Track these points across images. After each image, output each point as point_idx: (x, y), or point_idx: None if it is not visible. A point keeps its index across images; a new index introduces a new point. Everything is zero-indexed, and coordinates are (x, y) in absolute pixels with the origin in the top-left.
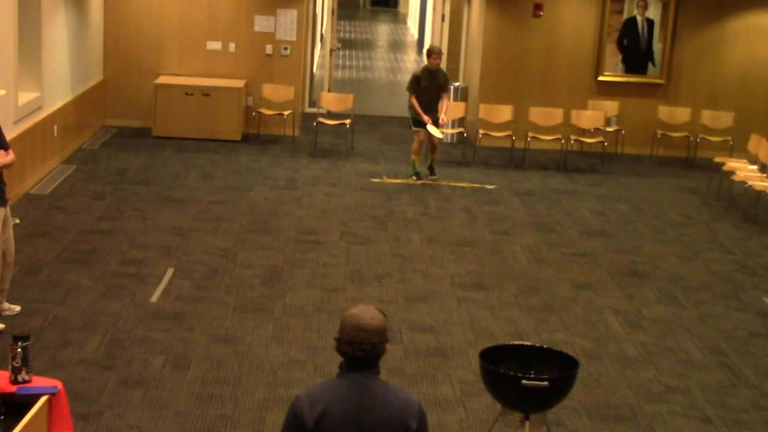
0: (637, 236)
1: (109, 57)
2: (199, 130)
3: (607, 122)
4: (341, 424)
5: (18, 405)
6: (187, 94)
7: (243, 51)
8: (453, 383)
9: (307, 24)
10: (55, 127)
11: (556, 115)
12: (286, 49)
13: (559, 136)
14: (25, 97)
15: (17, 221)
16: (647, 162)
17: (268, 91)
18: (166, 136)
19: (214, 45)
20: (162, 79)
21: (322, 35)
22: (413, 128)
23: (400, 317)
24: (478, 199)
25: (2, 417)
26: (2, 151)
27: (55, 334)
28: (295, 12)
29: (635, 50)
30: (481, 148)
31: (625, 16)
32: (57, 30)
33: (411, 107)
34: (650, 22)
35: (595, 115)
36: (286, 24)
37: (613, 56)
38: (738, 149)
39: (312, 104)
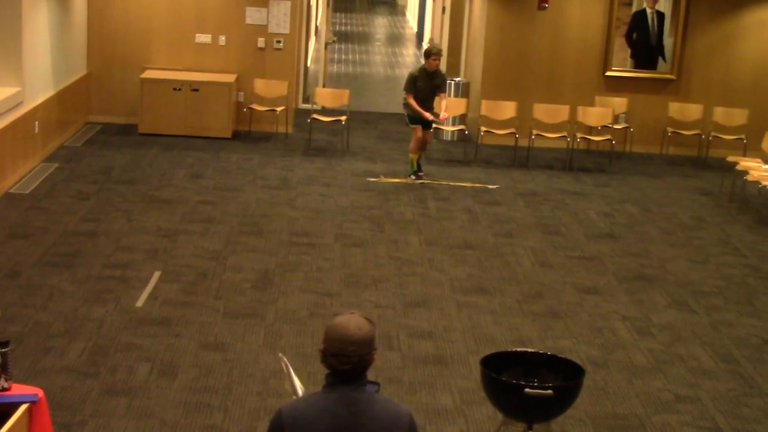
0: (646, 239)
1: (93, 50)
2: (187, 127)
3: (615, 119)
4: None
5: None
6: (175, 89)
7: (234, 44)
8: (453, 392)
9: (301, 16)
10: (37, 123)
11: (561, 112)
12: (279, 42)
13: (564, 134)
14: (5, 92)
15: None
16: (657, 161)
17: (260, 86)
18: (153, 133)
19: (204, 38)
20: (149, 74)
21: (316, 28)
22: (410, 125)
23: (397, 323)
24: (479, 199)
25: None
26: None
27: (36, 340)
28: (288, 3)
29: (645, 44)
30: (483, 147)
31: (635, 8)
32: (39, 21)
33: (407, 105)
34: (660, 15)
35: (602, 112)
36: (279, 16)
37: (621, 51)
38: (752, 148)
39: (306, 100)
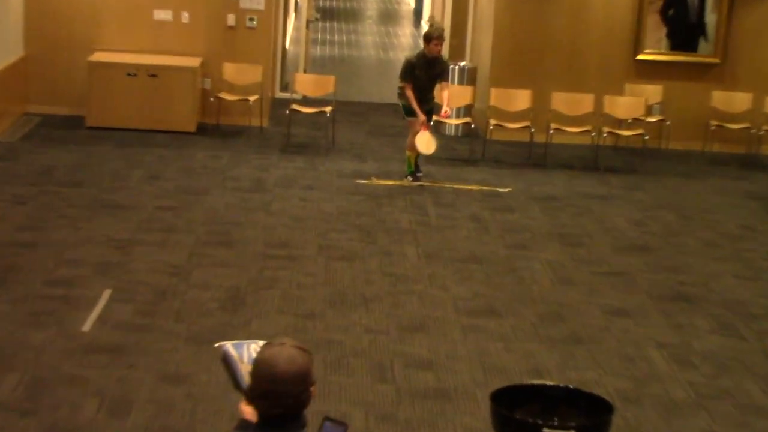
0: (685, 251)
1: (32, 28)
2: (144, 120)
3: (649, 111)
4: None
5: None
6: (129, 74)
7: (199, 22)
8: None
9: None
10: None
11: (585, 102)
12: (252, 20)
13: (588, 127)
14: None
15: None
16: (698, 160)
17: (230, 71)
18: (104, 127)
19: (163, 14)
20: (98, 56)
21: (296, 3)
22: (406, 117)
23: (392, 350)
24: (488, 204)
25: None
26: None
27: None
28: None
29: (683, 22)
30: (493, 143)
31: None
32: None
33: (402, 96)
34: None
35: (633, 103)
36: None
37: (655, 30)
38: None
39: (284, 88)
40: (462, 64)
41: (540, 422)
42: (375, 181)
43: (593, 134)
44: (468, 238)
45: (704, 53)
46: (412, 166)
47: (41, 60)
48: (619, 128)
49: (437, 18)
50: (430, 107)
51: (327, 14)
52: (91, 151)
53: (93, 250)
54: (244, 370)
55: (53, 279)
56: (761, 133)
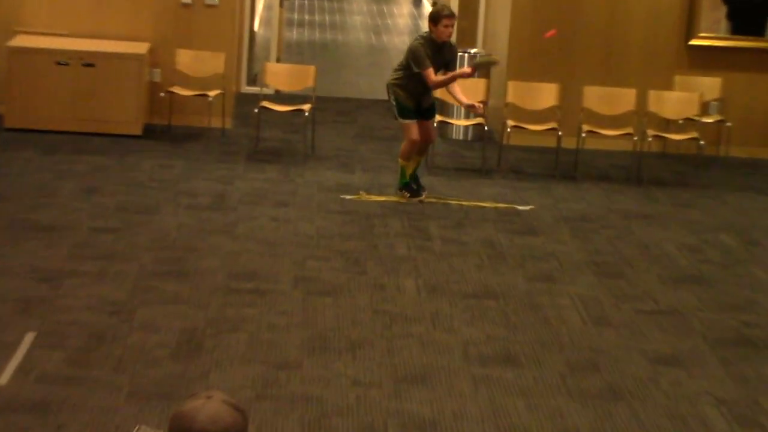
0: (750, 284)
1: None
2: (77, 120)
3: (704, 110)
4: None
5: None
6: (59, 63)
7: None
8: None
9: None
10: None
11: (625, 99)
12: None
13: (629, 130)
14: None
15: None
16: (766, 171)
17: (186, 60)
18: (26, 128)
19: None
20: (20, 41)
21: None
22: (399, 119)
23: (385, 408)
24: (505, 226)
25: None
26: None
27: None
28: None
29: (747, 0)
30: (511, 149)
31: None
32: None
33: (394, 91)
34: None
35: (684, 99)
36: None
37: (713, 9)
38: None
39: (252, 81)
40: (473, 51)
41: None
42: (365, 197)
43: (635, 138)
44: (480, 268)
45: None
46: (407, 176)
47: None
48: (668, 131)
49: None
50: (431, 103)
51: None
52: (9, 158)
53: (12, 283)
54: None
55: None
56: None
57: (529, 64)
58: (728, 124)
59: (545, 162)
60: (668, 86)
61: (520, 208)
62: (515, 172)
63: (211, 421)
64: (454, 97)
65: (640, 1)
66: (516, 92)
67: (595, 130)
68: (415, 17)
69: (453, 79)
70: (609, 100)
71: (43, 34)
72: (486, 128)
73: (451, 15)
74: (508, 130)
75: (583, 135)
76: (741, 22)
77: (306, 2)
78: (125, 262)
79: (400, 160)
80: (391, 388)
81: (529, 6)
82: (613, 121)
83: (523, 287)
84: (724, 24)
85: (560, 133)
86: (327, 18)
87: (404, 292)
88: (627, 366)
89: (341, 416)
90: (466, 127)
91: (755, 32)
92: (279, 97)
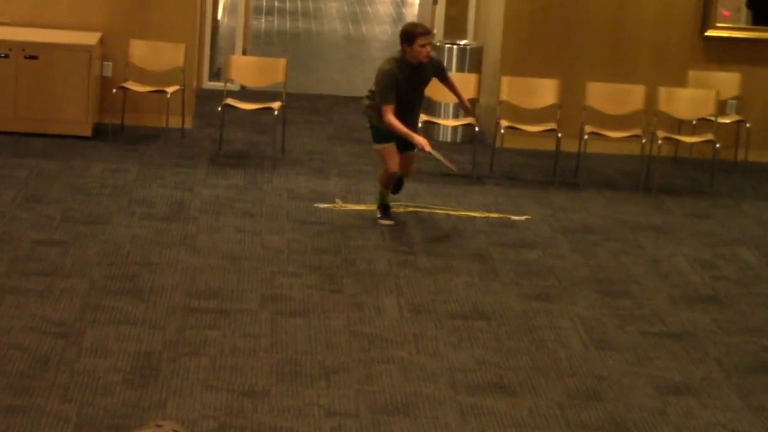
0: None
1: None
2: (18, 119)
3: (721, 109)
4: None
5: None
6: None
7: None
8: None
9: None
10: None
11: (633, 97)
12: None
13: (638, 132)
14: None
15: None
16: None
17: (140, 52)
18: None
19: None
20: None
21: None
22: (376, 144)
23: None
24: (498, 239)
25: None
26: None
27: None
28: None
29: None
30: (505, 152)
31: None
32: None
33: (374, 114)
34: None
35: (699, 97)
36: None
37: None
38: None
39: (215, 76)
40: (462, 43)
41: None
42: (341, 206)
43: (644, 141)
44: (470, 286)
45: None
46: (386, 199)
47: None
48: (680, 133)
49: None
50: (414, 123)
51: None
52: None
53: None
54: None
55: None
56: None
57: (526, 57)
58: (747, 125)
59: (543, 167)
60: (681, 83)
61: (515, 218)
62: (509, 178)
63: None
64: (456, 95)
65: None
66: (511, 89)
67: (599, 131)
68: (398, 4)
69: (409, 135)
70: (615, 98)
71: None
72: (477, 129)
73: (427, 32)
74: (502, 131)
75: (586, 137)
76: (762, 10)
77: None
78: (72, 278)
79: (379, 186)
80: (370, 419)
81: None
82: (620, 122)
83: (518, 307)
84: (744, 13)
85: (560, 134)
86: (299, 5)
87: (384, 312)
88: (632, 395)
89: None
90: (455, 128)
91: None
92: (245, 93)
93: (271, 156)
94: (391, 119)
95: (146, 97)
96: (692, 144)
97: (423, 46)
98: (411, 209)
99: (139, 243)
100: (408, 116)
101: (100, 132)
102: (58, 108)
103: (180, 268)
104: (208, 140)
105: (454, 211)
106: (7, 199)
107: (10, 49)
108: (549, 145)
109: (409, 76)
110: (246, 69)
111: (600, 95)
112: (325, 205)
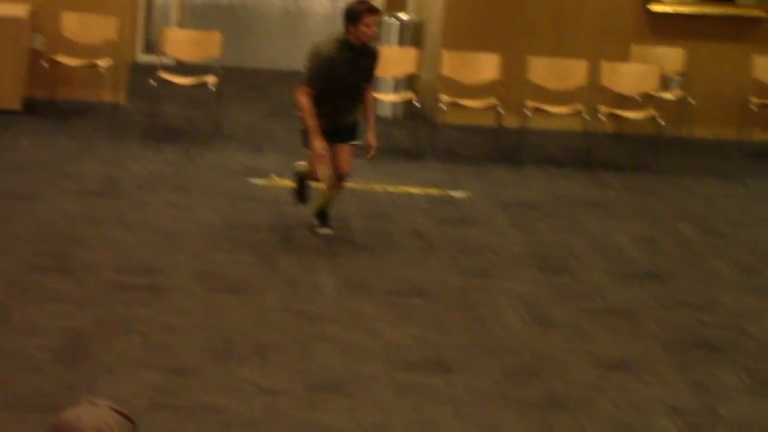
0: (711, 281)
1: None
2: None
3: (665, 84)
4: None
5: None
6: None
7: None
8: None
9: None
10: None
11: (575, 72)
12: None
13: (580, 107)
14: None
15: None
16: (733, 153)
17: (72, 24)
18: None
19: None
20: None
21: None
22: (308, 149)
23: (297, 419)
24: (437, 215)
25: None
26: None
27: None
28: None
29: None
30: (445, 129)
31: None
32: None
33: (299, 106)
34: None
35: (643, 72)
36: None
37: None
38: None
39: (149, 49)
40: (402, 17)
41: None
42: (277, 181)
43: (586, 117)
44: (407, 262)
45: (743, 4)
46: (326, 205)
47: None
48: (623, 108)
49: None
50: (353, 120)
51: None
52: None
53: None
54: None
55: None
56: None
57: (467, 31)
58: (691, 101)
59: (484, 143)
60: (624, 57)
61: (455, 194)
62: (450, 154)
63: (97, 430)
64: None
65: None
66: (451, 63)
67: (541, 107)
68: None
69: (312, 131)
70: (557, 73)
71: None
72: (417, 104)
73: (374, 10)
74: (443, 106)
75: (528, 113)
76: None
77: None
78: (0, 255)
79: (297, 166)
80: (304, 397)
81: None
82: (562, 97)
83: (456, 284)
84: None
85: (501, 110)
86: None
87: (320, 289)
88: (571, 371)
89: (246, 428)
90: (395, 104)
91: None
92: (180, 67)
93: (205, 131)
94: (304, 102)
95: (78, 70)
96: (635, 120)
97: (369, 26)
98: (356, 187)
99: (70, 219)
100: (343, 108)
101: (30, 106)
102: None
103: (111, 245)
104: (142, 115)
105: (393, 187)
106: None
107: None
108: (490, 121)
109: (351, 61)
110: (181, 43)
111: (542, 70)
112: (261, 181)
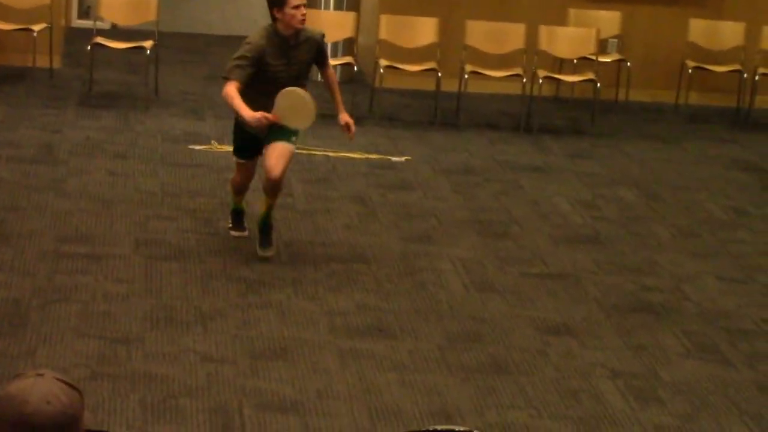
0: (651, 244)
1: None
2: None
3: (602, 48)
4: None
5: None
6: None
7: None
8: None
9: None
10: None
11: (513, 36)
12: None
13: (518, 71)
14: None
15: None
16: (670, 116)
17: None
18: None
19: None
20: None
21: None
22: (236, 159)
23: (239, 387)
24: (377, 180)
25: None
26: None
27: None
28: None
29: None
30: (384, 93)
31: None
32: None
33: (225, 98)
34: None
35: (580, 36)
36: None
37: None
38: None
39: (84, 13)
40: None
41: None
42: (217, 147)
43: (524, 81)
44: (349, 228)
45: None
46: (238, 203)
47: None
48: (561, 72)
49: None
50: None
51: None
52: None
53: None
54: None
55: None
56: (757, 78)
57: None
58: (628, 64)
59: (423, 107)
60: (562, 21)
61: (395, 159)
62: (389, 118)
63: (46, 401)
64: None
65: None
66: (389, 27)
67: (479, 71)
68: None
69: (242, 107)
70: (495, 37)
71: None
72: (355, 68)
73: None
74: (381, 70)
75: (466, 77)
76: None
77: None
78: None
79: (230, 189)
80: (247, 365)
81: None
82: (500, 61)
83: (398, 249)
84: None
85: (440, 74)
86: None
87: (262, 255)
88: (513, 336)
89: (189, 396)
90: (333, 67)
91: None
92: (116, 32)
93: (143, 97)
94: (230, 92)
95: (11, 35)
96: (573, 83)
97: (296, 8)
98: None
99: (6, 187)
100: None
101: None
102: None
103: (49, 212)
104: (78, 80)
105: (332, 152)
106: None
107: None
108: (429, 85)
109: (281, 52)
110: (117, 6)
111: (480, 34)
112: (200, 147)
